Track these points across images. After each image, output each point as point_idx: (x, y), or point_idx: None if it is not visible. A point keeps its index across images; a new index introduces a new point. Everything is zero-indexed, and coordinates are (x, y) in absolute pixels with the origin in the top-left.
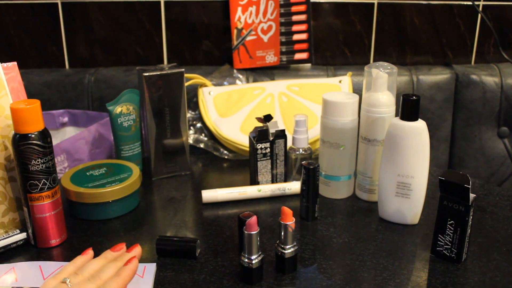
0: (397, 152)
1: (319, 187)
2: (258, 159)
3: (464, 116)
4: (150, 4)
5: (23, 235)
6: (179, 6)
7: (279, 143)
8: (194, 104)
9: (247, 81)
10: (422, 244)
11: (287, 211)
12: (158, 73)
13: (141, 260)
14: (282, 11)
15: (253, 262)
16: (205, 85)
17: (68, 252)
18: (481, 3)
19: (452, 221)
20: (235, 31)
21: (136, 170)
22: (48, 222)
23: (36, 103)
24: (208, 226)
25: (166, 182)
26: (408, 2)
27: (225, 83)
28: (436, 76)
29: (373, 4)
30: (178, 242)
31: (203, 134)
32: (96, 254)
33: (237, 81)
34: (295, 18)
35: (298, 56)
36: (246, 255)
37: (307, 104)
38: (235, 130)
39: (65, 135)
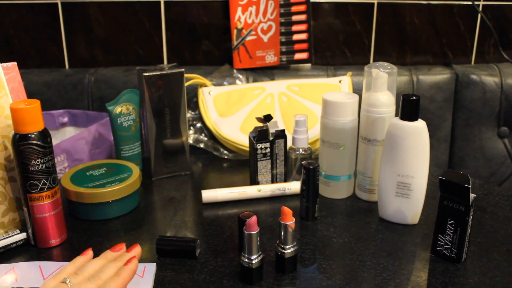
0: (397, 152)
1: (319, 187)
2: (258, 159)
3: (464, 116)
4: (150, 4)
5: (23, 235)
6: (179, 6)
7: (279, 143)
8: (194, 104)
9: (247, 81)
10: (422, 244)
11: (287, 211)
12: (158, 73)
13: (141, 260)
14: (282, 11)
15: (253, 262)
16: (205, 85)
17: (68, 252)
18: (481, 3)
19: (452, 221)
20: (235, 31)
21: (136, 170)
22: (48, 222)
23: (36, 103)
24: (208, 226)
25: (166, 182)
26: (408, 2)
27: (225, 83)
28: (436, 76)
29: (373, 4)
30: (178, 242)
31: (203, 134)
32: (96, 254)
33: (237, 81)
34: (295, 18)
35: (298, 56)
36: (246, 255)
37: (307, 104)
38: (235, 130)
39: (65, 135)
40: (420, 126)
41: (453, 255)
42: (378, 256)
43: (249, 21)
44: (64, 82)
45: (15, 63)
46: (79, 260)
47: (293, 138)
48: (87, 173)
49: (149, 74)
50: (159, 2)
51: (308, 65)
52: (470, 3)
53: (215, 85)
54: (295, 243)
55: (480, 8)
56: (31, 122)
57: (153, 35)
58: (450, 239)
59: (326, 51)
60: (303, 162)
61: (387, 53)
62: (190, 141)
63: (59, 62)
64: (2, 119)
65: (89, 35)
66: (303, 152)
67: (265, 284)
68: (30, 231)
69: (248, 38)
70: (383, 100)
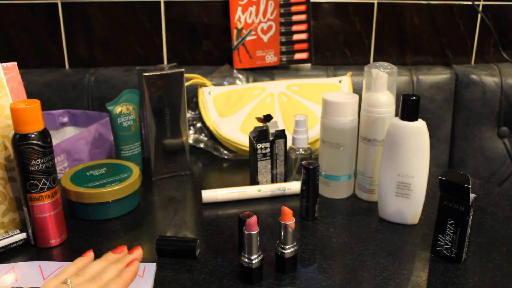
0: (397, 152)
1: (319, 187)
2: (258, 159)
3: (464, 116)
4: (150, 4)
5: (23, 235)
6: (179, 6)
7: (279, 143)
8: (194, 104)
9: (247, 81)
10: (422, 244)
11: (287, 211)
12: (158, 73)
13: (141, 260)
14: (282, 11)
15: (253, 262)
16: (205, 85)
17: (68, 252)
18: (481, 3)
19: (452, 221)
20: (235, 31)
21: (136, 170)
22: (48, 222)
23: (36, 103)
24: (208, 226)
25: (166, 182)
26: (408, 2)
27: (225, 83)
28: (436, 76)
29: (373, 4)
30: (178, 242)
31: (203, 134)
32: (96, 254)
33: (237, 81)
34: (295, 18)
35: (298, 56)
36: (246, 255)
37: (307, 104)
38: (235, 130)
39: (65, 135)
40: (420, 126)
41: (453, 255)
42: (378, 256)
43: (249, 21)
44: (64, 82)
45: (15, 63)
46: (80, 261)
47: (293, 138)
48: (87, 173)
49: (149, 74)
50: (159, 2)
51: (308, 65)
52: (470, 3)
53: (215, 85)
54: (295, 243)
55: (480, 8)
56: (31, 122)
57: (153, 35)
58: (450, 239)
59: (326, 51)
60: (303, 162)
61: (387, 53)
62: (190, 141)
63: (59, 62)
64: (2, 119)
65: (89, 35)
66: (303, 152)
67: (265, 284)
68: (30, 231)
69: (248, 38)
70: (383, 100)
